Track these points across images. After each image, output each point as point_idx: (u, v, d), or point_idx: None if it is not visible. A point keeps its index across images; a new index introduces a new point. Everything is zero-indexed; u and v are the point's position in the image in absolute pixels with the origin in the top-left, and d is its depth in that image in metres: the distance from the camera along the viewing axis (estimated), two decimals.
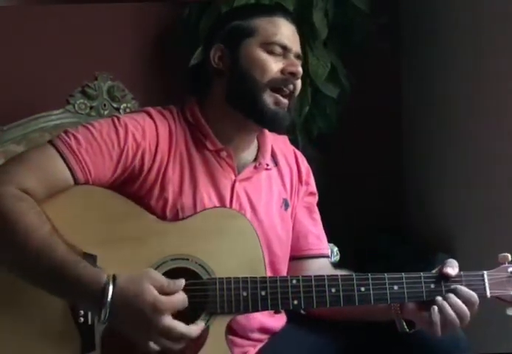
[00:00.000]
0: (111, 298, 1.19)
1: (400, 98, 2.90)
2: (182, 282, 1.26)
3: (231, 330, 1.37)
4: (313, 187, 1.62)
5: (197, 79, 1.53)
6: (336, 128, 2.54)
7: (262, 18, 1.46)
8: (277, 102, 1.43)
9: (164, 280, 1.24)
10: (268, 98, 1.43)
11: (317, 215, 1.62)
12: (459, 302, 1.32)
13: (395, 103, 2.88)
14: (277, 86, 1.44)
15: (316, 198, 1.63)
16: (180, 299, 1.24)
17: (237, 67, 1.45)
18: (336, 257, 2.09)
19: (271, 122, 1.46)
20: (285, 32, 1.46)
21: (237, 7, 1.76)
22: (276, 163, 1.56)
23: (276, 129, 1.52)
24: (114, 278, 1.21)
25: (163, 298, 1.22)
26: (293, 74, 1.44)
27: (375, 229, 2.73)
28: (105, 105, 2.14)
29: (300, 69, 1.45)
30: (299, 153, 1.63)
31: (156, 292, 1.21)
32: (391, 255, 2.61)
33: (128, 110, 2.15)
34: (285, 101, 1.44)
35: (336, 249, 2.08)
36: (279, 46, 1.44)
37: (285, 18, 1.48)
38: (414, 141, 2.87)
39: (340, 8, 2.45)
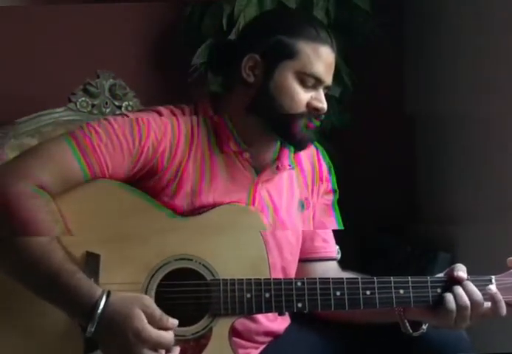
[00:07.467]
0: (101, 313, 1.19)
1: (403, 97, 2.89)
2: (175, 322, 1.24)
3: (236, 332, 1.37)
4: (333, 185, 1.60)
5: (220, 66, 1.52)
6: (338, 127, 2.53)
7: (307, 43, 1.40)
8: (307, 126, 1.42)
9: (157, 311, 1.23)
10: (301, 121, 1.41)
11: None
12: (465, 295, 1.32)
13: (397, 102, 2.87)
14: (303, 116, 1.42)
15: (336, 195, 1.61)
16: (168, 338, 1.23)
17: (266, 88, 1.41)
18: (338, 256, 2.09)
19: (298, 145, 1.46)
20: (325, 63, 1.42)
21: (282, 14, 1.63)
22: (298, 161, 1.54)
23: (300, 150, 1.50)
24: (108, 294, 1.21)
25: (152, 330, 1.21)
26: (317, 110, 1.42)
27: (376, 228, 2.73)
28: (106, 103, 2.13)
29: (325, 106, 1.42)
30: (320, 150, 1.61)
31: (145, 321, 1.21)
32: (392, 254, 2.61)
33: (129, 108, 2.14)
34: (315, 124, 1.43)
35: (337, 248, 2.08)
36: (313, 78, 1.41)
37: (330, 46, 1.43)
38: (416, 141, 2.86)
39: (342, 7, 2.44)
